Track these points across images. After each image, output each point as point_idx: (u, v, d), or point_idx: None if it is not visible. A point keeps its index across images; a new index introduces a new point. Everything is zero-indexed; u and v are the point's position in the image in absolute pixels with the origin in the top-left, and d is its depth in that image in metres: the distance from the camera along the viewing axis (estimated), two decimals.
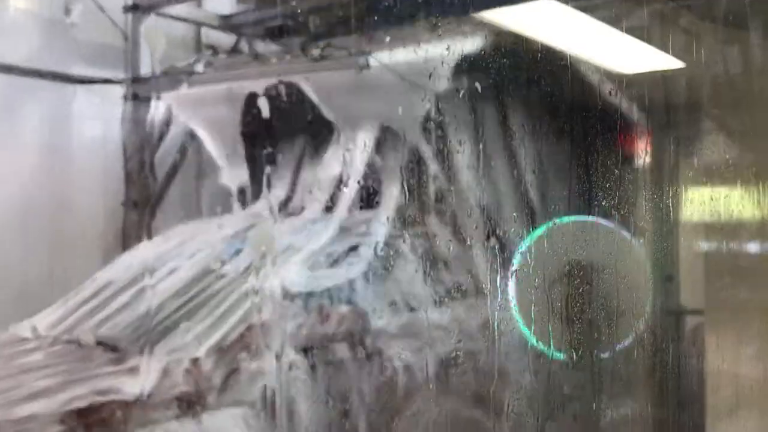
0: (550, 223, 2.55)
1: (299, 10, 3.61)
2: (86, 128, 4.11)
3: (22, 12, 3.79)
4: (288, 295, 2.88)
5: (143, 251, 3.47)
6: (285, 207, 3.63)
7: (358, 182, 3.28)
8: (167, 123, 4.00)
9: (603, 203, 2.56)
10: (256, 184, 3.68)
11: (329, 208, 3.37)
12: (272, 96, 3.37)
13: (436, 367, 2.84)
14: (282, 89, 3.32)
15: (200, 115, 3.90)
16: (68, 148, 4.04)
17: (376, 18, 3.28)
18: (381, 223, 3.16)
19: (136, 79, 4.11)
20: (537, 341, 2.63)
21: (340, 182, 3.39)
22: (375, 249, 3.11)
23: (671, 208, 2.78)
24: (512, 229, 2.69)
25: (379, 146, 3.28)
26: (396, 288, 3.10)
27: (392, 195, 3.18)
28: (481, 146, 2.72)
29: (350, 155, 3.30)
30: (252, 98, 3.44)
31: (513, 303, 2.64)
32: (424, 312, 3.01)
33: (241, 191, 3.71)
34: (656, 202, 2.81)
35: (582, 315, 2.62)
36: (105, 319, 2.96)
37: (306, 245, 3.10)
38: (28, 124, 3.85)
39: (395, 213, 3.15)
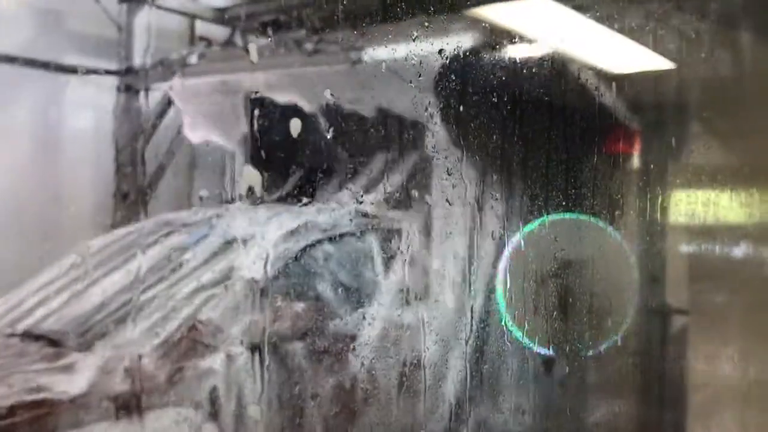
0: (536, 222, 2.56)
1: (293, 4, 3.61)
2: (78, 119, 4.10)
3: (16, 2, 3.77)
4: (247, 287, 2.76)
5: (104, 241, 3.33)
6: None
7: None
8: (160, 115, 4.00)
9: (589, 202, 2.58)
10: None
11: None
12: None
13: (400, 369, 2.75)
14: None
15: (195, 107, 3.90)
16: (59, 138, 4.03)
17: (369, 13, 3.29)
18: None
19: (130, 70, 4.10)
20: (523, 337, 2.64)
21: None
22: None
23: (658, 209, 2.80)
24: (500, 227, 2.70)
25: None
26: (365, 285, 3.02)
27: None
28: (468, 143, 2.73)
29: None
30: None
31: (499, 299, 2.65)
32: (393, 311, 2.93)
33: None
34: (643, 203, 2.82)
35: (568, 312, 2.64)
36: (51, 313, 2.82)
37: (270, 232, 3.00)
38: (19, 114, 3.84)
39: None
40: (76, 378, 2.35)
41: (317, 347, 2.77)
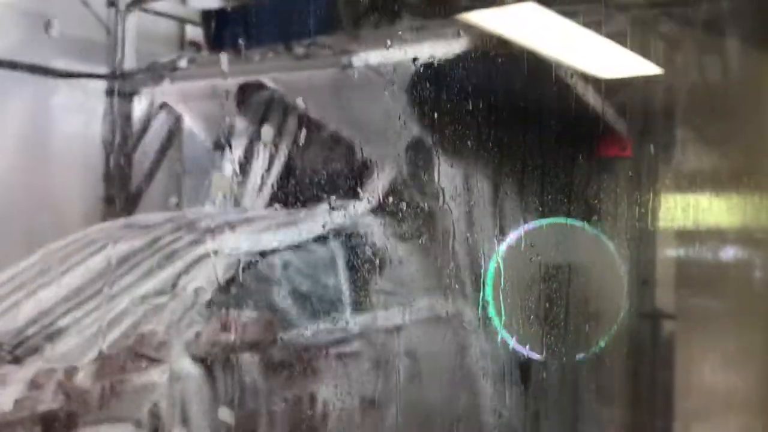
0: (527, 226, 2.56)
1: None
2: (67, 123, 4.07)
3: (3, 4, 3.75)
4: (195, 296, 2.60)
5: (53, 247, 3.17)
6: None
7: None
8: (149, 119, 3.99)
9: (578, 207, 2.58)
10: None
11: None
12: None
13: (368, 384, 2.62)
14: None
15: (185, 110, 3.89)
16: (48, 142, 4.00)
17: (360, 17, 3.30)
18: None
19: (119, 75, 4.08)
20: (513, 341, 2.64)
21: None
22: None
23: (648, 214, 2.81)
24: (487, 231, 2.70)
25: None
26: (328, 294, 2.89)
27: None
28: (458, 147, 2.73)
29: None
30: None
31: (490, 304, 2.65)
32: (349, 320, 2.82)
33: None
34: (633, 207, 2.83)
35: (558, 317, 2.64)
36: None
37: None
38: (8, 117, 3.81)
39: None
40: (4, 392, 2.21)
41: (272, 360, 2.60)
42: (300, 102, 3.24)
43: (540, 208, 2.62)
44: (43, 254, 3.11)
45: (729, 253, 2.84)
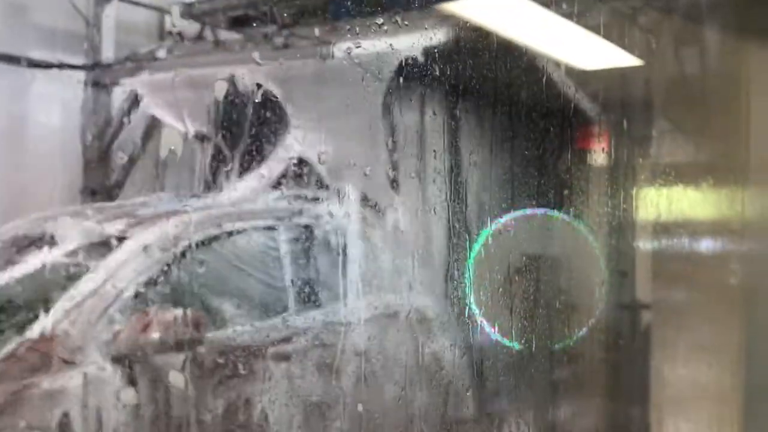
0: (504, 217, 2.56)
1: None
2: (44, 114, 4.02)
3: None
4: (114, 292, 2.38)
5: None
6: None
7: None
8: (128, 110, 3.95)
9: (557, 198, 2.58)
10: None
11: None
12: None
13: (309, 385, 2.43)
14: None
15: (163, 101, 3.84)
16: (25, 134, 3.95)
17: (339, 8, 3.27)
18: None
19: (97, 65, 4.04)
20: (494, 332, 2.64)
21: None
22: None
23: (625, 205, 2.82)
24: (465, 223, 2.68)
25: None
26: (268, 288, 2.69)
27: None
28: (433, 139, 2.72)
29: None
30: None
31: (469, 295, 2.64)
32: (292, 316, 2.63)
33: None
34: (610, 199, 2.84)
35: (536, 307, 2.64)
36: None
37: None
38: None
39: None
40: None
41: (201, 361, 2.37)
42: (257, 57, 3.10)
43: (517, 200, 2.62)
44: None
45: (705, 244, 2.86)
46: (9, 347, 2.16)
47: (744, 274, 2.83)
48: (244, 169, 3.14)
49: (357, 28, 2.55)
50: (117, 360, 2.25)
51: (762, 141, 2.84)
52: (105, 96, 3.99)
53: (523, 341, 2.64)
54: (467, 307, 2.58)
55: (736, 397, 2.51)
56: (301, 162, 3.03)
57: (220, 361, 2.40)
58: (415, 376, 2.59)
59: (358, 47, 2.59)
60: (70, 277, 2.46)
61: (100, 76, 3.98)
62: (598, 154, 2.99)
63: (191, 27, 4.28)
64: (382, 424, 2.48)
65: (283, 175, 3.00)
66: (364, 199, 2.78)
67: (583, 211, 2.81)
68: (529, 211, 2.67)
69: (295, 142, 3.06)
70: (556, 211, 2.72)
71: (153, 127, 4.03)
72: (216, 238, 2.70)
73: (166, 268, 2.49)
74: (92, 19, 4.04)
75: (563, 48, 2.87)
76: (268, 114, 3.14)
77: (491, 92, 2.60)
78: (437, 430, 2.62)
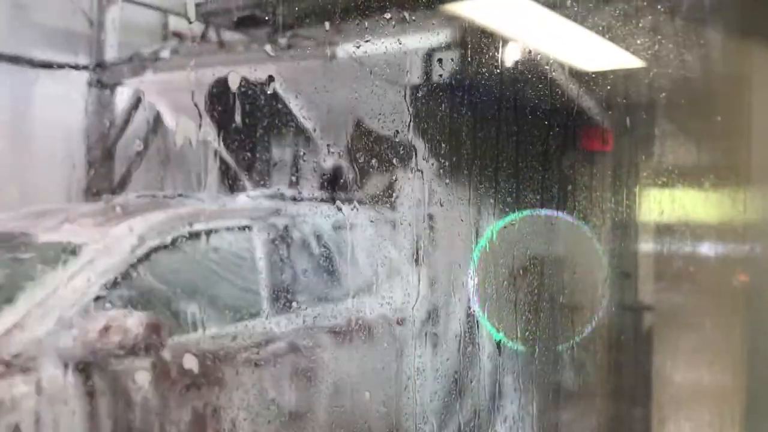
0: (508, 218, 2.57)
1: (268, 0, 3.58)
2: (48, 114, 4.03)
3: None
4: (73, 295, 2.26)
5: None
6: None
7: None
8: (132, 110, 3.95)
9: (562, 199, 2.59)
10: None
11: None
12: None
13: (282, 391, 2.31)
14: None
15: (167, 101, 3.85)
16: (29, 134, 3.95)
17: (345, 9, 3.27)
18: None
19: (101, 65, 4.05)
20: (497, 333, 2.65)
21: None
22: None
23: (629, 207, 2.82)
24: (465, 223, 2.69)
25: None
26: (240, 290, 2.57)
27: None
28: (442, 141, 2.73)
29: None
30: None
31: (473, 296, 2.65)
32: (266, 321, 2.49)
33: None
34: (614, 200, 2.85)
35: (539, 308, 2.65)
36: None
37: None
38: None
39: None
40: None
41: (164, 368, 2.24)
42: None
43: (519, 201, 2.63)
44: None
45: (707, 244, 2.86)
46: None
47: (747, 275, 2.84)
48: (253, 173, 3.14)
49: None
50: (73, 367, 2.11)
51: (765, 142, 2.85)
52: (109, 96, 3.99)
53: (523, 341, 2.64)
54: (465, 309, 2.59)
55: (738, 397, 2.52)
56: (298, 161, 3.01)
57: (187, 367, 2.28)
58: (399, 385, 2.52)
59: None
60: (29, 277, 2.37)
61: (104, 77, 3.99)
62: (601, 155, 3.00)
63: (196, 27, 4.29)
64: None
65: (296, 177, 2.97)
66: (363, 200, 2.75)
67: (585, 211, 2.82)
68: (529, 212, 2.68)
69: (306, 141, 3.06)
70: (557, 211, 2.73)
71: (157, 126, 4.03)
72: (187, 237, 2.63)
73: (130, 269, 2.41)
74: (96, 19, 4.05)
75: (568, 49, 2.88)
76: (275, 112, 3.15)
77: (495, 91, 2.61)
78: None
